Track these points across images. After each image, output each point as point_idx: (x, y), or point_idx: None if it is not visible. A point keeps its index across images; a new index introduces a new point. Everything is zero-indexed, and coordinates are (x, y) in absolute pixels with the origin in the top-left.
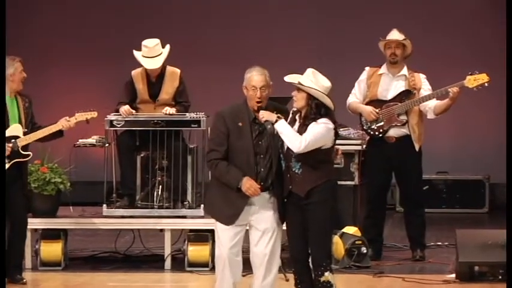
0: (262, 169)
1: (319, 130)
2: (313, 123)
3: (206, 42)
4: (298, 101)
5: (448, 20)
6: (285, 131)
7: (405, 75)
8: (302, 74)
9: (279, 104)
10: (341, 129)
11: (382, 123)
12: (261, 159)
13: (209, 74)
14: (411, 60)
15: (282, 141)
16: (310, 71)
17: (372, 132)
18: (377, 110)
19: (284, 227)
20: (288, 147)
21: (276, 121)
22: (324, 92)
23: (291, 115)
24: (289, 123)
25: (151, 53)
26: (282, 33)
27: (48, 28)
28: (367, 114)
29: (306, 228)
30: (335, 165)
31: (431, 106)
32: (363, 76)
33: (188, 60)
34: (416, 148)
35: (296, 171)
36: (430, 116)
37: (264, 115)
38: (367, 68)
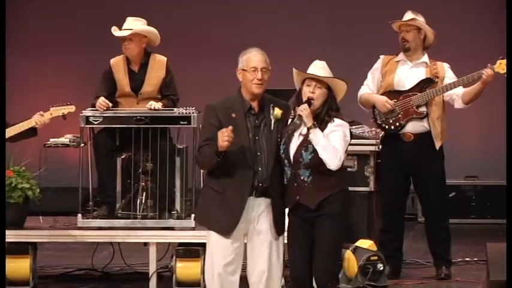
0: (260, 168)
1: (343, 136)
2: (330, 125)
3: (205, 33)
4: (318, 98)
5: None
6: (322, 142)
7: (426, 63)
8: (307, 63)
9: (279, 99)
10: (353, 127)
11: (399, 116)
12: (258, 157)
13: (208, 68)
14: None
15: (285, 144)
16: (320, 63)
17: (386, 127)
18: (392, 101)
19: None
20: (295, 152)
21: (311, 127)
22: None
23: (292, 113)
24: (293, 124)
25: (130, 25)
26: (286, 17)
27: (20, 15)
28: (381, 105)
29: (311, 244)
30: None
31: (459, 93)
32: (377, 65)
33: (185, 53)
34: (437, 146)
35: (305, 179)
36: (458, 105)
37: (305, 112)
38: (381, 57)
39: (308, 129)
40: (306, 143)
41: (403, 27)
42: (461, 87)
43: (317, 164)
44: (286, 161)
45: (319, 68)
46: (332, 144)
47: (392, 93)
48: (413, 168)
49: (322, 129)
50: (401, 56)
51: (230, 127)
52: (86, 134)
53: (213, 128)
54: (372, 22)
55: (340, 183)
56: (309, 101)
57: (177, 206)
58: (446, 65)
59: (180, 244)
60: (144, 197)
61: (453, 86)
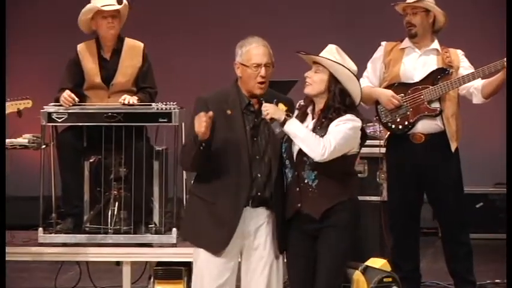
0: (259, 174)
1: (346, 130)
2: (336, 119)
3: (196, 20)
4: (315, 84)
5: None
6: (300, 133)
7: (437, 50)
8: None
9: (278, 92)
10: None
11: (407, 113)
12: (257, 161)
13: (196, 60)
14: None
15: (288, 142)
16: (333, 47)
17: (393, 126)
18: (399, 96)
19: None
20: (299, 151)
21: (285, 120)
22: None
23: (297, 108)
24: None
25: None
26: (286, 4)
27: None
28: (387, 100)
29: (314, 263)
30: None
31: (477, 86)
32: (378, 53)
33: (169, 43)
34: (453, 148)
35: (309, 183)
36: (477, 99)
37: (269, 110)
38: (383, 43)
39: (283, 123)
40: None
41: (408, 10)
42: (479, 79)
43: (325, 164)
44: (287, 162)
45: (325, 51)
46: (312, 133)
47: (398, 86)
48: (425, 174)
49: (327, 123)
50: (407, 42)
51: (210, 112)
52: (48, 134)
53: None
54: (378, 7)
55: (350, 190)
56: (261, 102)
57: (156, 218)
58: (460, 52)
59: (159, 263)
60: (116, 208)
61: (471, 77)
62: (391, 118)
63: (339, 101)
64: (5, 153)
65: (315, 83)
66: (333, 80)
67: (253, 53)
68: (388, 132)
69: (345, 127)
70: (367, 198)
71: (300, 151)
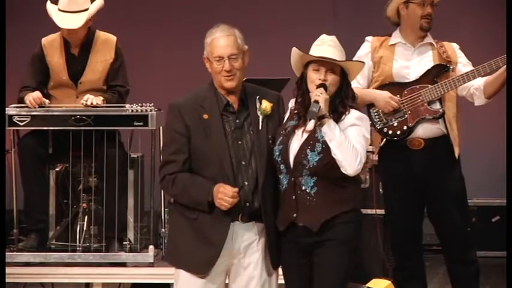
0: (246, 182)
1: (365, 133)
2: (346, 118)
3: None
4: (331, 87)
5: None
6: (338, 137)
7: (431, 44)
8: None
9: (269, 89)
10: None
11: (406, 117)
12: (243, 168)
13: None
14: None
15: (282, 144)
16: (328, 38)
17: (390, 132)
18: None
19: (281, 277)
20: (297, 154)
21: (325, 117)
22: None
23: (290, 108)
24: (289, 121)
25: (73, 6)
26: None
27: None
28: (384, 103)
29: (309, 282)
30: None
31: (478, 86)
32: (365, 50)
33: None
34: (456, 154)
35: (308, 190)
36: (480, 101)
37: (321, 97)
38: (369, 38)
39: (320, 118)
40: (313, 141)
41: (428, 1)
42: (480, 77)
43: (326, 169)
44: (282, 166)
45: (329, 46)
46: (351, 141)
47: (392, 86)
48: (426, 184)
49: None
50: (397, 36)
51: (236, 189)
52: (8, 139)
53: (179, 136)
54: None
55: (354, 200)
56: (324, 85)
57: (130, 234)
58: (456, 46)
59: (134, 285)
60: (85, 223)
61: (475, 74)
62: (386, 123)
63: (348, 96)
64: (5, 154)
65: (332, 84)
66: (343, 77)
67: (215, 44)
68: (383, 139)
69: (363, 130)
70: (369, 211)
71: (298, 154)
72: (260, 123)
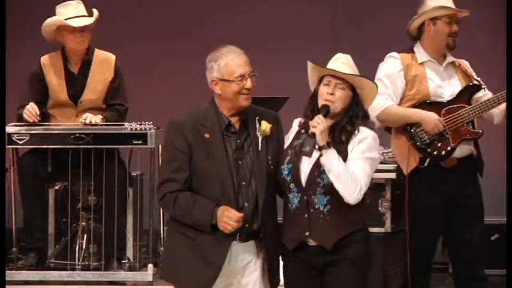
0: (246, 203)
1: (369, 153)
2: (354, 139)
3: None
4: (339, 101)
5: None
6: (336, 168)
7: (454, 63)
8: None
9: (267, 108)
10: None
11: (448, 137)
12: (243, 188)
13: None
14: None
15: (292, 163)
16: (342, 55)
17: (435, 153)
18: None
19: None
20: (310, 172)
21: (324, 148)
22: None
23: (296, 127)
24: (296, 140)
25: (77, 11)
26: (280, 12)
27: None
28: (434, 125)
29: None
30: None
31: (499, 106)
32: (396, 67)
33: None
34: (482, 174)
35: (321, 208)
36: (499, 119)
37: (319, 127)
38: (395, 55)
39: (320, 149)
40: None
41: (453, 17)
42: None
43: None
44: (292, 185)
45: (342, 63)
46: (350, 170)
47: (430, 105)
48: (454, 201)
49: (344, 143)
50: (422, 55)
51: (241, 214)
52: (8, 158)
53: (181, 154)
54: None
55: (362, 219)
56: (326, 108)
57: (129, 253)
58: (467, 63)
59: None
60: (85, 241)
61: (505, 95)
62: (429, 143)
63: (356, 114)
64: (5, 153)
65: (339, 99)
66: (354, 94)
67: (235, 64)
68: (421, 159)
69: (366, 149)
70: (370, 230)
71: (311, 173)
72: (260, 144)
